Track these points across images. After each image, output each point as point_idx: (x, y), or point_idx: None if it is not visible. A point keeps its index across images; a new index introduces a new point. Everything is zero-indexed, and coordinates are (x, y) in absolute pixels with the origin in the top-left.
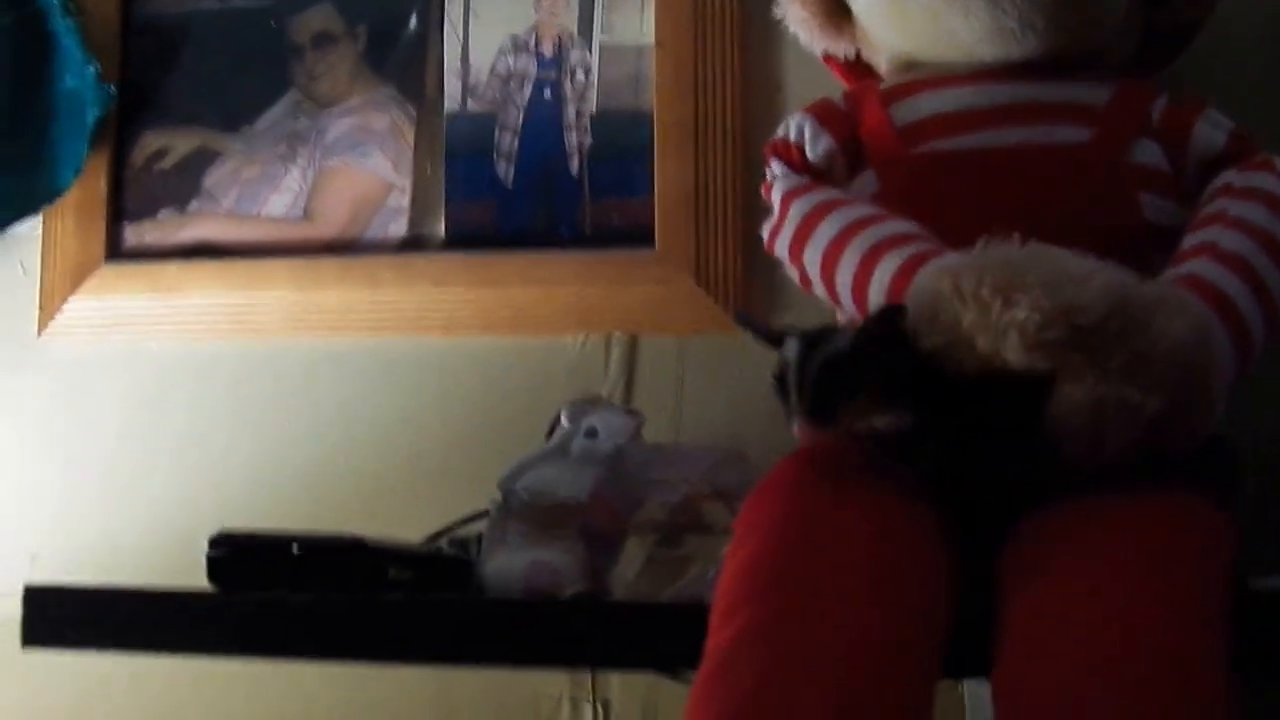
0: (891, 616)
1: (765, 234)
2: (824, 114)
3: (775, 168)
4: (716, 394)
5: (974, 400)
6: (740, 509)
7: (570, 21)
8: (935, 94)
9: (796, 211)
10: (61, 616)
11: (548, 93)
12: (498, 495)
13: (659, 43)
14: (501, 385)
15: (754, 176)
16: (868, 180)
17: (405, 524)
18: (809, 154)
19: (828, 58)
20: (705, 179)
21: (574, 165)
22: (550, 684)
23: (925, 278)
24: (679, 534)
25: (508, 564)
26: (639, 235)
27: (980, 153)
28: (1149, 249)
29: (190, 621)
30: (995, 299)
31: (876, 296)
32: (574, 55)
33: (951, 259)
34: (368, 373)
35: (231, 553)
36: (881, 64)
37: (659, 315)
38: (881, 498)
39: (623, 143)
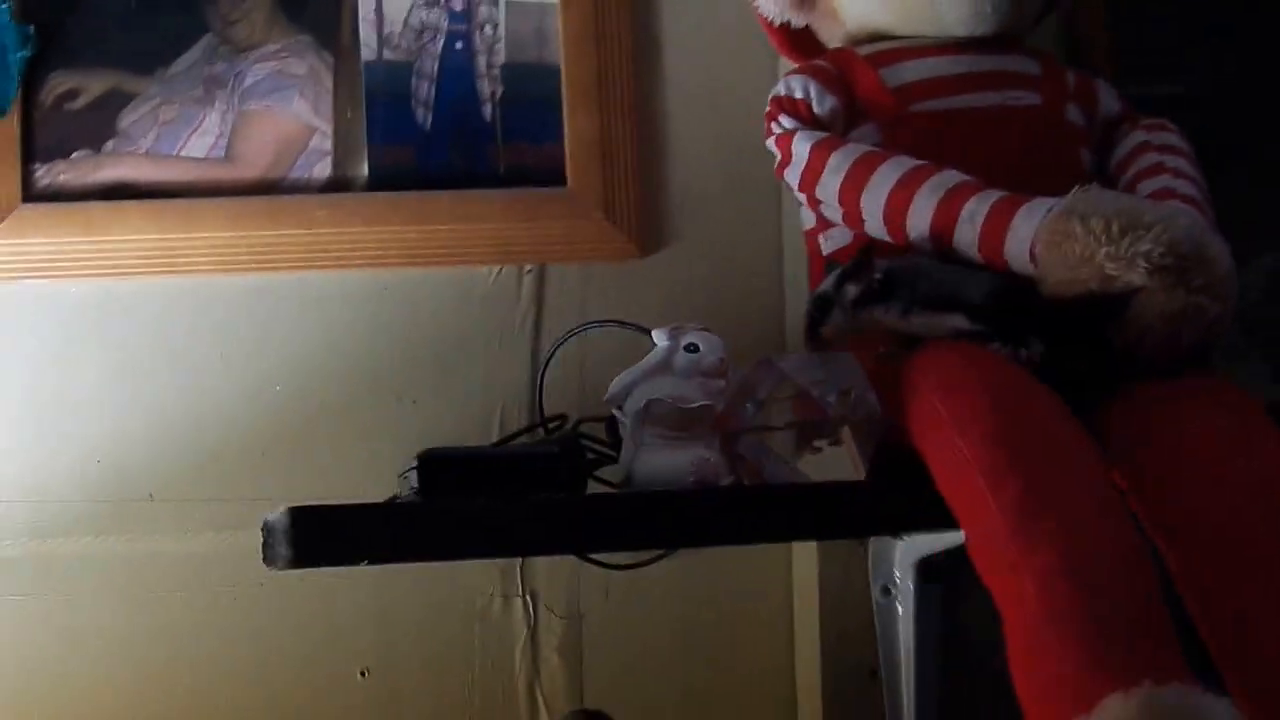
0: (1097, 458)
1: (793, 178)
2: (823, 76)
3: (785, 122)
4: (620, 317)
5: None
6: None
7: None
8: (916, 62)
9: (842, 159)
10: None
11: (459, 44)
12: (615, 407)
13: (564, 2)
14: (424, 315)
15: (648, 123)
16: (866, 134)
17: (340, 449)
18: (816, 110)
19: (770, 27)
20: (609, 125)
21: (487, 112)
22: (483, 581)
23: (1052, 220)
24: (805, 428)
25: (670, 461)
26: (549, 177)
27: (964, 112)
28: None
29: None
30: (1124, 235)
31: (968, 234)
32: (482, 11)
33: (1068, 203)
34: (298, 307)
35: (440, 466)
36: (835, 35)
37: (571, 247)
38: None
39: (532, 92)
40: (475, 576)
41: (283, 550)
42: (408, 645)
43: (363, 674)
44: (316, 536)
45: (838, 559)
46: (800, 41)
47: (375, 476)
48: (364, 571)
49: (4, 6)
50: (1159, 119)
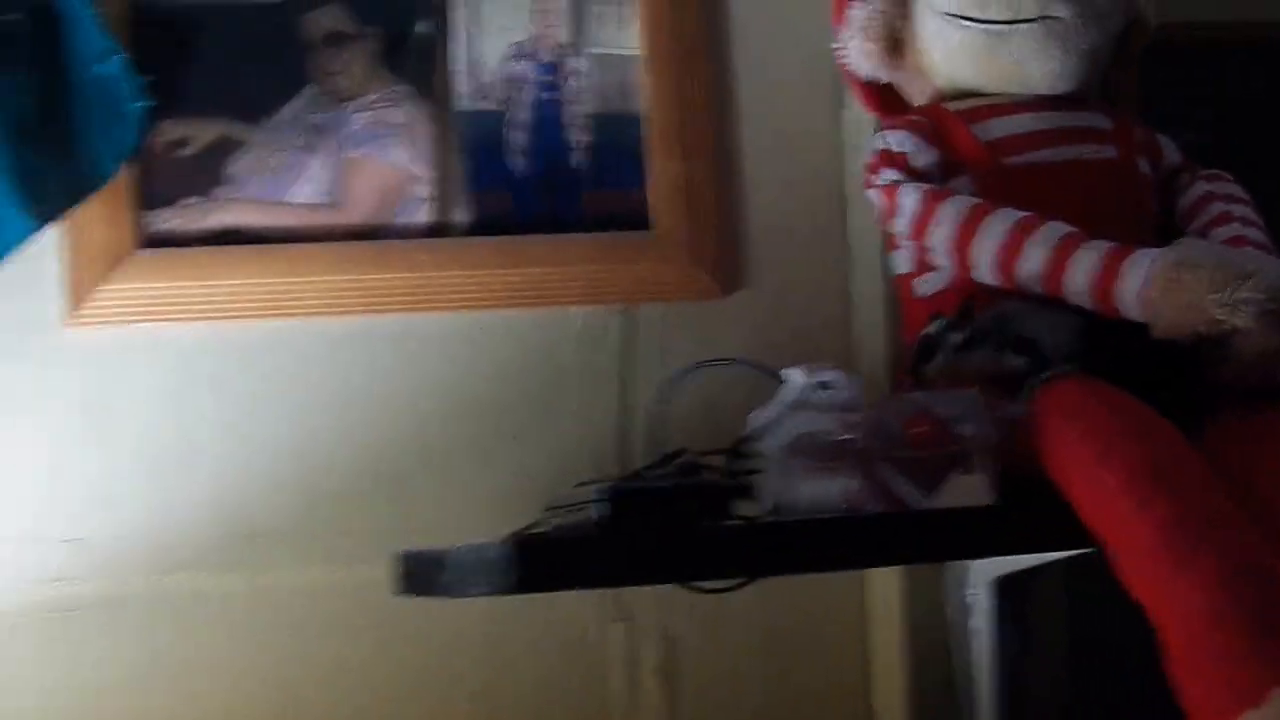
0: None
1: (900, 227)
2: (920, 130)
3: (889, 174)
4: (703, 354)
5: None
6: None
7: (565, 33)
8: (1004, 119)
9: (951, 211)
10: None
11: (549, 95)
12: (756, 442)
13: (646, 56)
14: (519, 354)
15: (726, 169)
16: (961, 185)
17: (443, 484)
18: (917, 163)
19: (856, 81)
20: (691, 171)
21: (575, 159)
22: (582, 608)
23: (1162, 269)
24: (935, 458)
25: (822, 490)
26: (635, 221)
27: (1050, 164)
28: (1154, 239)
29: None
30: (1229, 283)
31: (1080, 281)
32: (569, 63)
33: (1175, 254)
34: (402, 348)
35: (624, 497)
36: (921, 91)
37: (657, 288)
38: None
39: (617, 140)
40: (575, 604)
41: (511, 577)
42: (513, 670)
43: (470, 699)
44: (539, 563)
45: (919, 579)
46: (883, 96)
47: (477, 510)
48: (472, 600)
49: (117, 59)
50: (1216, 170)
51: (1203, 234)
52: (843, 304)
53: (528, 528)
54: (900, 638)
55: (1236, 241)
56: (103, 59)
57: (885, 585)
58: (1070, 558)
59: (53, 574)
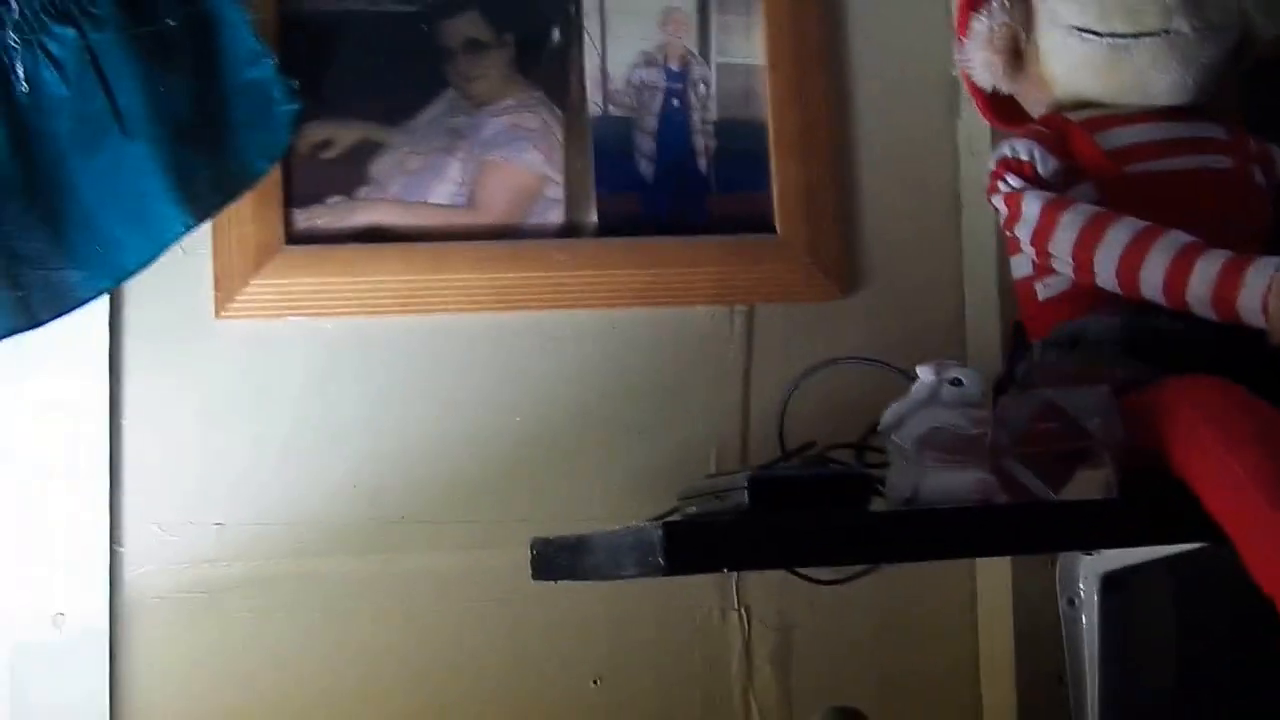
0: None
1: (1023, 233)
2: (1044, 140)
3: (1013, 181)
4: (822, 353)
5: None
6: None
7: (691, 42)
8: (1125, 128)
9: (1074, 218)
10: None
11: (676, 102)
12: (891, 435)
13: (770, 65)
14: (647, 351)
15: (846, 173)
16: (1084, 193)
17: (574, 475)
18: (1041, 171)
19: (977, 92)
20: (812, 176)
21: (702, 164)
22: (704, 596)
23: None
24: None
25: (956, 481)
26: (759, 223)
27: (1172, 174)
28: (1268, 248)
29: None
30: None
31: (1201, 289)
32: (695, 70)
33: None
34: (536, 344)
35: (771, 484)
36: (1041, 101)
37: (779, 289)
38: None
39: (742, 146)
40: (697, 592)
41: (660, 559)
42: (637, 655)
43: (595, 682)
44: (688, 546)
45: (1029, 572)
46: (1003, 106)
47: (605, 500)
48: (599, 587)
49: (268, 62)
50: None
51: None
52: (956, 305)
53: (664, 515)
54: (1010, 629)
55: None
56: (254, 62)
57: (996, 578)
58: (1175, 555)
59: (202, 556)
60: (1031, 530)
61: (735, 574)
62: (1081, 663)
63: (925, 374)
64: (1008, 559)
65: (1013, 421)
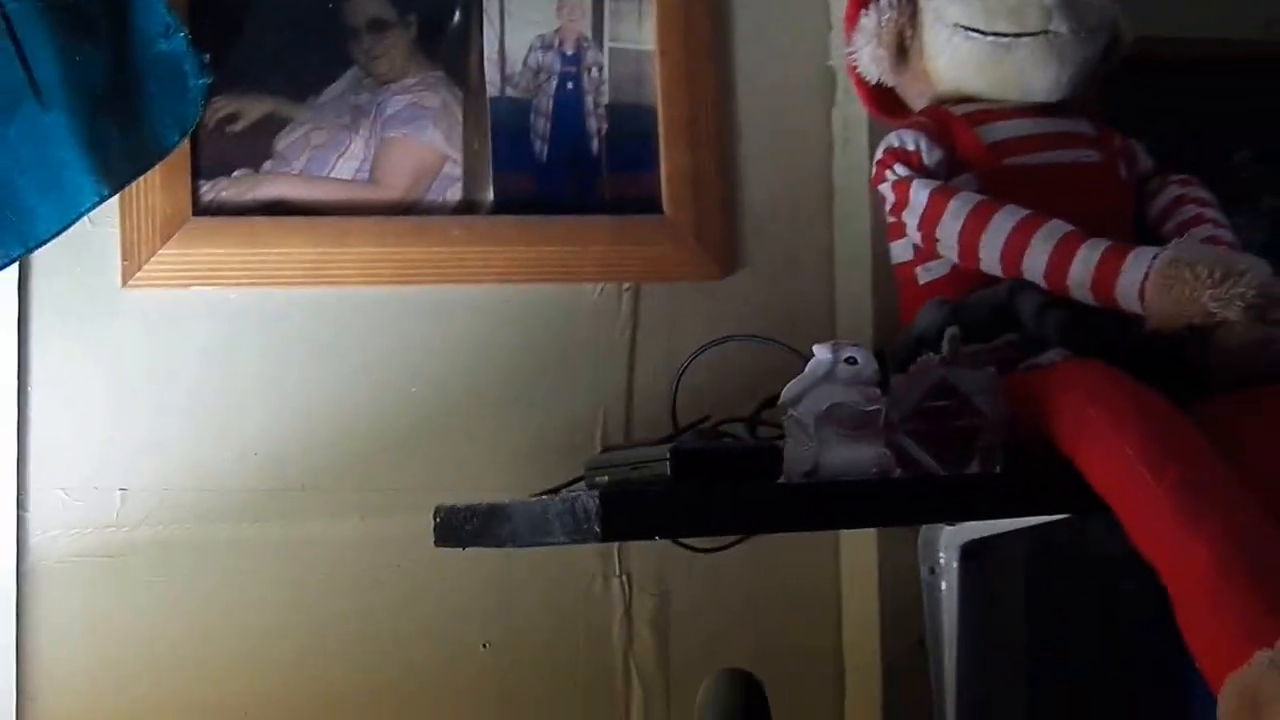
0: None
1: (911, 219)
2: (929, 131)
3: (900, 170)
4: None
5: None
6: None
7: (586, 27)
8: (1003, 122)
9: (961, 206)
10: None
11: (570, 85)
12: (790, 410)
13: (661, 51)
14: (538, 327)
15: (729, 159)
16: (965, 183)
17: (468, 445)
18: (926, 160)
19: (861, 83)
20: (698, 160)
21: (594, 146)
22: (588, 563)
23: (1161, 266)
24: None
25: (856, 455)
26: (647, 205)
27: (1046, 166)
28: (1131, 238)
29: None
30: (1224, 280)
31: (1082, 275)
32: (589, 55)
33: (1173, 252)
34: (433, 318)
35: (692, 455)
36: (922, 94)
37: (665, 268)
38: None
39: (631, 129)
40: (582, 560)
41: (596, 527)
42: (524, 621)
43: (485, 646)
44: (622, 514)
45: (894, 541)
46: (883, 98)
47: (498, 469)
48: (489, 555)
49: (180, 36)
50: (1184, 174)
51: (1178, 233)
52: (828, 286)
53: (566, 484)
54: (876, 595)
55: (1212, 241)
56: (167, 35)
57: (861, 548)
58: (1027, 527)
59: (105, 521)
60: (929, 502)
61: (617, 543)
62: (940, 627)
63: (821, 352)
64: (873, 530)
65: (906, 399)
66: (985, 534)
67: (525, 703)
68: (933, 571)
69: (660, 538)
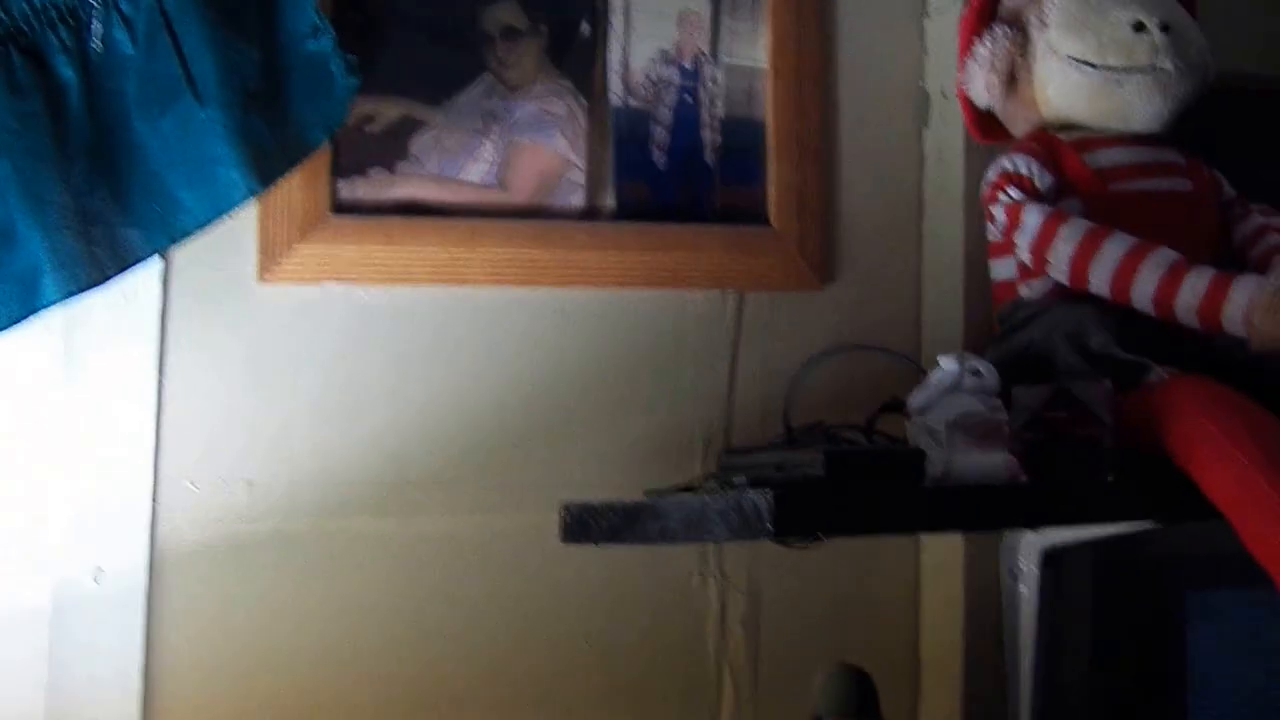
0: None
1: (1023, 240)
2: (1039, 156)
3: (1014, 193)
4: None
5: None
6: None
7: (704, 43)
8: (1107, 150)
9: (1072, 231)
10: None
11: (688, 98)
12: (918, 417)
13: (773, 69)
14: (651, 330)
15: (832, 175)
16: (1071, 207)
17: (582, 444)
18: (1038, 184)
19: (968, 107)
20: (804, 175)
21: (709, 157)
22: (687, 562)
23: (1269, 294)
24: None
25: (988, 461)
26: (755, 216)
27: (1148, 193)
28: (1224, 264)
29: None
30: None
31: (1189, 301)
32: (706, 70)
33: (1276, 280)
34: (556, 319)
35: (844, 457)
36: (1027, 120)
37: (770, 277)
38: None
39: (743, 143)
40: (681, 559)
41: (768, 524)
42: (625, 617)
43: (587, 640)
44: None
45: (978, 546)
46: (984, 121)
47: (611, 467)
48: (592, 552)
49: (328, 38)
50: (1265, 204)
51: (1264, 260)
52: (916, 297)
53: (689, 485)
54: (961, 595)
55: None
56: (315, 36)
57: (944, 551)
58: (1105, 537)
59: (232, 513)
60: (1054, 506)
61: (714, 543)
62: (1018, 630)
63: (948, 364)
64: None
65: (1027, 408)
66: (1067, 542)
67: (623, 696)
68: (1014, 576)
69: (825, 537)
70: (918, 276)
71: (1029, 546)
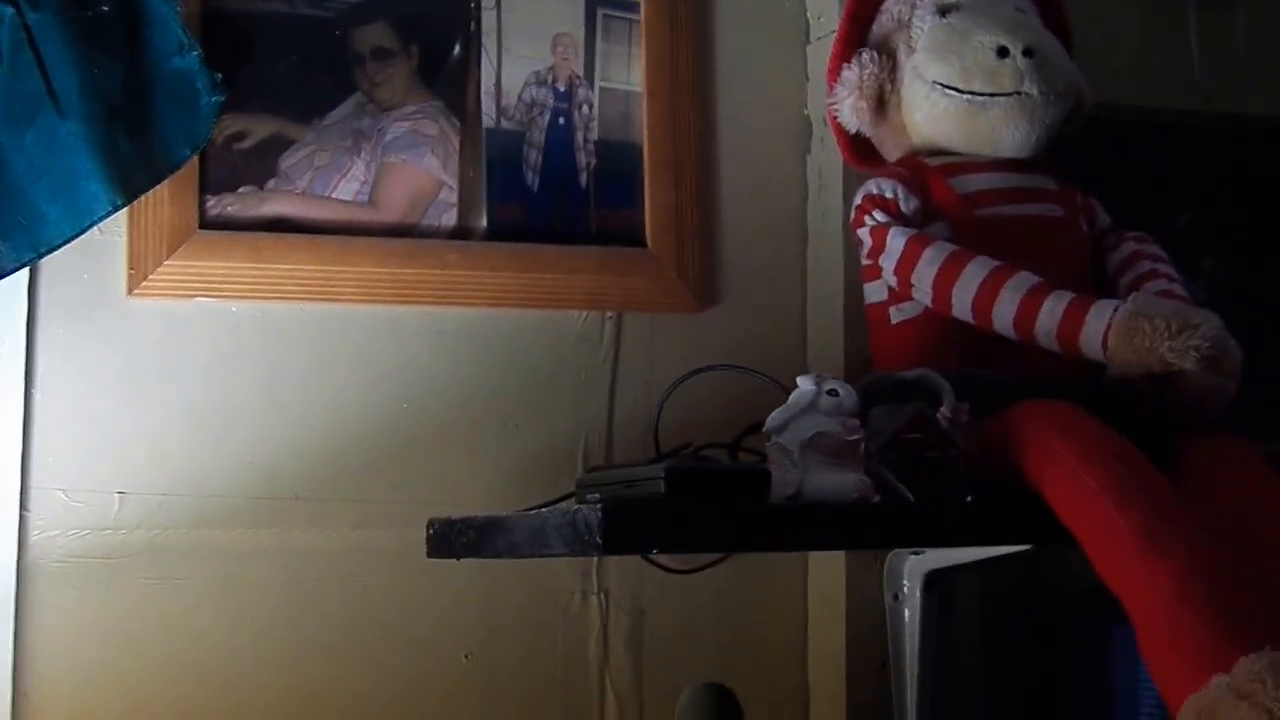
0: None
1: (887, 264)
2: (905, 180)
3: (879, 216)
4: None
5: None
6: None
7: (578, 66)
8: (975, 175)
9: (935, 254)
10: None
11: (562, 120)
12: (775, 437)
13: (648, 92)
14: (525, 351)
15: (710, 197)
16: (938, 231)
17: (455, 461)
18: (903, 208)
19: (840, 131)
20: (680, 198)
21: (583, 179)
22: (568, 579)
23: (1122, 318)
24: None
25: (838, 481)
26: (631, 238)
27: (1015, 218)
28: (1091, 290)
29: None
30: (1180, 332)
31: (1048, 324)
32: (581, 93)
33: (1133, 305)
34: (427, 337)
35: (685, 474)
36: (898, 145)
37: (646, 299)
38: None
39: (618, 165)
40: (562, 576)
41: (598, 539)
42: (505, 633)
43: (466, 657)
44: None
45: (860, 568)
46: (859, 147)
47: (484, 486)
48: (473, 568)
49: (195, 55)
50: (1139, 232)
51: (1135, 287)
52: (800, 323)
53: (557, 500)
54: (843, 619)
55: (1166, 294)
56: (181, 53)
57: (828, 574)
58: (987, 558)
59: (103, 523)
60: (905, 526)
61: (596, 559)
62: (903, 652)
63: (805, 384)
64: (841, 555)
65: (884, 430)
66: (948, 564)
67: (504, 713)
68: (896, 598)
69: (658, 551)
70: (803, 301)
71: (912, 569)
